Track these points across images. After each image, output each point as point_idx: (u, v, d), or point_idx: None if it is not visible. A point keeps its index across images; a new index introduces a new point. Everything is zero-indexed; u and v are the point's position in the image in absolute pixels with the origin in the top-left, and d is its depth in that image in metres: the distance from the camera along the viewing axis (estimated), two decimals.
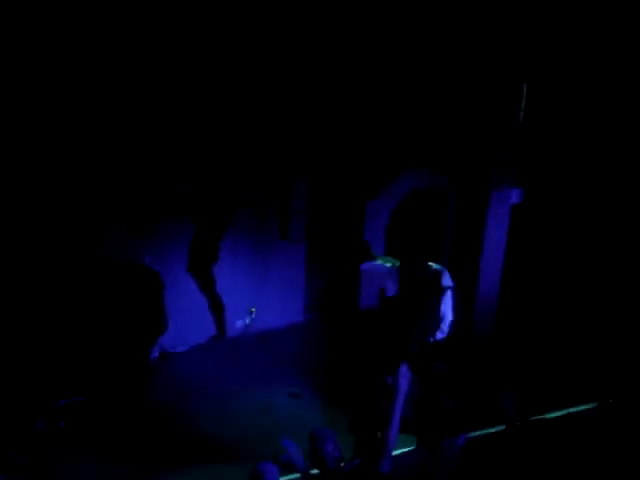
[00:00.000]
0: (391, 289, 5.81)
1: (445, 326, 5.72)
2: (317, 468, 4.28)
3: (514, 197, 8.07)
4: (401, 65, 7.42)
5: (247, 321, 7.94)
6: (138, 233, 7.18)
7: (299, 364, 7.38)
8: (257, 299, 7.94)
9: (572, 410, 6.45)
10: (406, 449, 5.72)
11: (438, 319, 5.67)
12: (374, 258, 6.07)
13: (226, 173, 7.49)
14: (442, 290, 5.68)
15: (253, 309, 7.93)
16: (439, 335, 5.75)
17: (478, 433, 5.81)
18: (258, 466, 4.15)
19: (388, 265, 5.92)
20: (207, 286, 7.73)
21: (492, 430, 5.91)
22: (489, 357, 7.65)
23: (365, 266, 6.21)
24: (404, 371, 5.68)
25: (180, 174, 7.22)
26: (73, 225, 6.82)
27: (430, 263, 5.82)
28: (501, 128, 7.48)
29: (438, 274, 5.74)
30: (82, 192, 6.77)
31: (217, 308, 7.78)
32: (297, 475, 4.52)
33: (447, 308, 5.71)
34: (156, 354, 7.39)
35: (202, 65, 6.89)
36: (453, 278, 5.81)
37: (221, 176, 7.48)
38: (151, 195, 7.16)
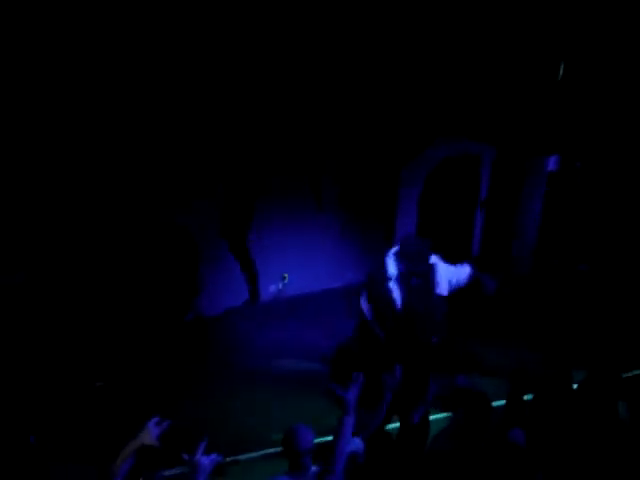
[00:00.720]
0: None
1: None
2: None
3: (551, 164, 7.95)
4: (435, 34, 7.30)
5: (280, 286, 8.04)
6: (174, 198, 7.30)
7: (330, 329, 7.50)
8: (290, 265, 8.03)
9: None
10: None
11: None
12: None
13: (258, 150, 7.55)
14: None
15: (286, 275, 8.01)
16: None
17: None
18: (292, 428, 4.27)
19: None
20: (241, 251, 7.82)
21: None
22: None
23: None
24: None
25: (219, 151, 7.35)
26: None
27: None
28: (538, 94, 7.34)
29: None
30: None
31: (251, 273, 7.88)
32: None
33: None
34: (190, 316, 7.56)
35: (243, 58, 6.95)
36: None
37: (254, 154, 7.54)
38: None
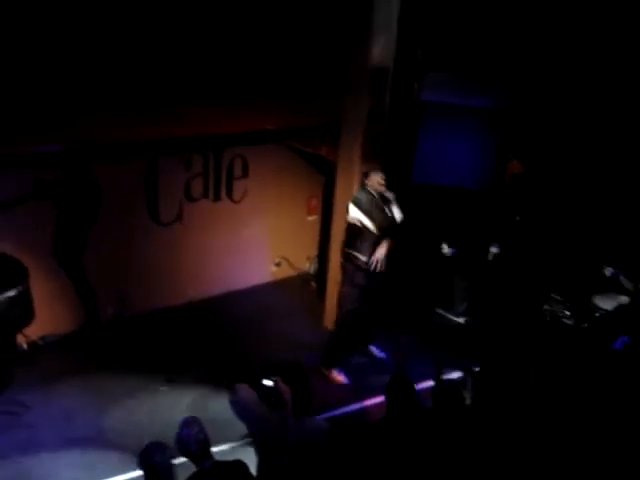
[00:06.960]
0: None
1: None
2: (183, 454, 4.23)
3: None
4: None
5: (120, 306, 7.55)
6: None
7: (180, 346, 7.23)
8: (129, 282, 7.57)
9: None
10: None
11: None
12: None
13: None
14: None
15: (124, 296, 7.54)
16: None
17: None
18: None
19: None
20: (76, 271, 7.24)
21: None
22: None
23: None
24: None
25: None
26: None
27: None
28: None
29: None
30: None
31: (87, 294, 7.30)
32: None
33: None
34: (23, 347, 6.85)
35: None
36: None
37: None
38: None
